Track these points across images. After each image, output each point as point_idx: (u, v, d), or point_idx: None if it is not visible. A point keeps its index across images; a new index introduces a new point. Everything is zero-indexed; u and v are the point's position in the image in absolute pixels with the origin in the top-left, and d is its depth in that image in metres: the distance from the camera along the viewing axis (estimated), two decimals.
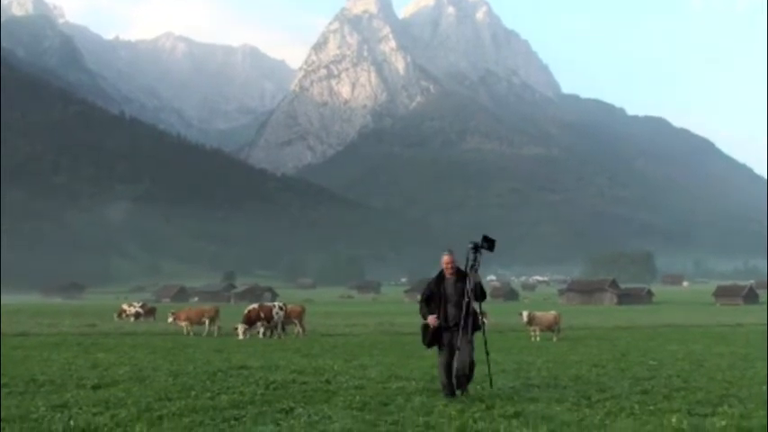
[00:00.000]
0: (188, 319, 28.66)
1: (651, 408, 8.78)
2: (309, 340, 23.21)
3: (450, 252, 10.30)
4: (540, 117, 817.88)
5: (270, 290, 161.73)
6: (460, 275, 10.00)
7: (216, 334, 27.11)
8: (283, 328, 25.11)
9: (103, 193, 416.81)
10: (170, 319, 29.90)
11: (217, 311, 29.26)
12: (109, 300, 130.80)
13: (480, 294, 9.98)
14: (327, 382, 11.06)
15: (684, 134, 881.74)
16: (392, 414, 8.13)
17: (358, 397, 9.31)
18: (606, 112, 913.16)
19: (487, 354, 10.42)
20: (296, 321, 26.04)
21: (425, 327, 9.96)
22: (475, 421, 7.68)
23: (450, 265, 10.13)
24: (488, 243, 10.01)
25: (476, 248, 9.94)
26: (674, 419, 7.88)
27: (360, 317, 49.27)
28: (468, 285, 9.81)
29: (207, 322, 28.08)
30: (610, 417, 8.11)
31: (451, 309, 9.87)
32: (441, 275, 10.18)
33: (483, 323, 10.20)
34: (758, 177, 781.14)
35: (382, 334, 28.17)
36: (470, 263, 9.90)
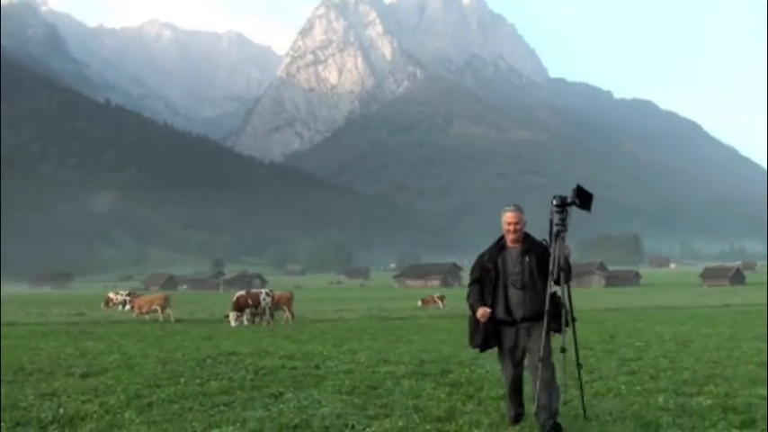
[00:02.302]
0: (139, 307, 29.33)
1: (638, 388, 8.89)
2: (298, 326, 23.24)
3: (517, 208, 6.89)
4: (526, 101, 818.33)
5: (259, 277, 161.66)
6: (530, 245, 6.75)
7: (172, 319, 28.26)
8: (272, 315, 25.13)
9: (90, 181, 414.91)
10: (127, 307, 30.46)
11: (166, 299, 30.11)
12: (97, 288, 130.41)
13: (567, 274, 6.62)
14: (316, 367, 11.09)
15: (672, 117, 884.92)
16: (381, 398, 8.17)
17: (347, 381, 9.34)
18: (593, 95, 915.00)
19: (579, 366, 7.07)
20: (284, 308, 26.06)
21: (473, 321, 6.79)
22: (464, 404, 7.74)
23: (514, 228, 6.75)
24: (582, 198, 6.60)
25: (562, 205, 6.59)
26: (660, 399, 7.98)
27: (349, 302, 49.38)
28: (552, 260, 6.54)
29: (159, 310, 28.87)
30: (597, 397, 8.22)
31: (515, 294, 6.67)
32: (499, 244, 6.86)
33: (572, 319, 6.74)
34: (744, 159, 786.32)
35: (371, 319, 28.24)
36: (555, 227, 6.59)
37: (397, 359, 11.98)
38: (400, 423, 6.78)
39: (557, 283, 6.58)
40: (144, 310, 29.01)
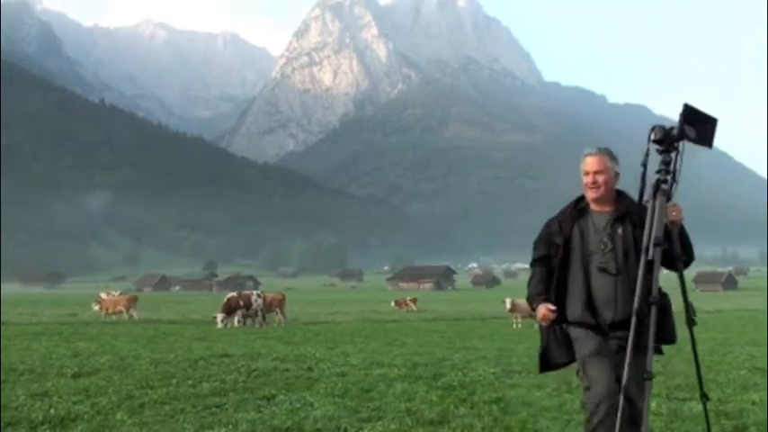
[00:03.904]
0: (105, 308, 30.02)
1: None
2: (291, 328, 23.24)
3: (602, 151, 4.80)
4: (521, 104, 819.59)
5: (252, 278, 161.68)
6: (625, 208, 4.64)
7: (136, 318, 29.27)
8: (263, 317, 25.12)
9: (83, 181, 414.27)
10: (95, 307, 31.04)
11: (130, 300, 31.22)
12: (89, 289, 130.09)
13: (685, 250, 4.56)
14: (309, 369, 11.07)
15: (665, 121, 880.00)
16: (374, 400, 8.15)
17: (340, 384, 9.32)
18: (587, 99, 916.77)
19: (704, 399, 5.26)
20: (276, 309, 26.07)
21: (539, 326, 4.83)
22: (456, 407, 7.72)
23: (594, 179, 4.69)
24: (698, 123, 4.40)
25: (665, 140, 4.41)
26: (653, 404, 7.97)
27: (342, 305, 49.41)
28: (648, 228, 4.37)
29: (124, 311, 29.67)
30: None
31: (602, 284, 4.56)
32: (578, 207, 4.79)
33: (690, 322, 4.52)
34: (737, 164, 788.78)
35: (364, 321, 28.28)
36: (655, 176, 4.44)
37: (390, 362, 11.97)
38: (393, 426, 6.75)
39: (674, 263, 4.43)
40: (109, 311, 29.63)
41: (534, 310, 4.69)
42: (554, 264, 4.64)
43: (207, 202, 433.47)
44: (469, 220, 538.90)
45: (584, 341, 4.52)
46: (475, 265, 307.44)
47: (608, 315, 4.48)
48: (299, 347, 15.16)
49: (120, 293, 45.82)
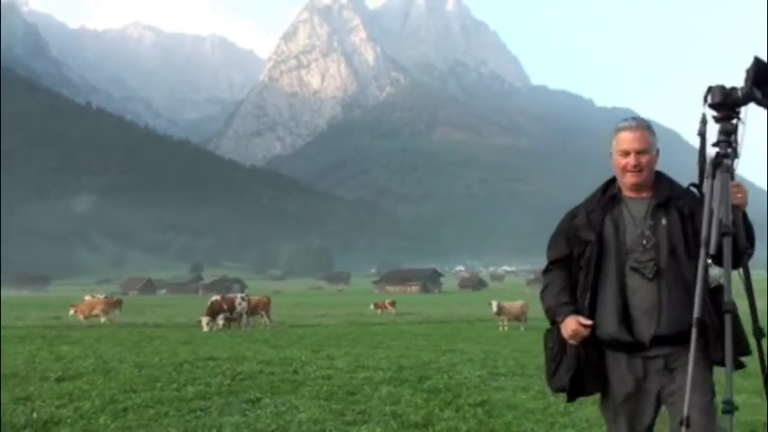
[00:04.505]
0: (81, 311, 29.87)
1: None
2: (277, 331, 23.20)
3: (643, 124, 3.77)
4: (509, 108, 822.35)
5: (238, 281, 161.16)
6: (668, 193, 3.67)
7: (109, 321, 29.23)
8: (248, 320, 25.07)
9: (70, 184, 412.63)
10: (71, 312, 30.96)
11: (107, 303, 31.46)
12: (75, 292, 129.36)
13: (750, 240, 3.53)
14: (295, 372, 11.05)
15: (653, 125, 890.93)
16: (359, 403, 8.14)
17: (325, 387, 9.30)
18: (575, 103, 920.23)
19: None
20: (262, 313, 26.01)
21: (556, 341, 3.68)
22: (441, 410, 7.72)
23: (636, 160, 3.64)
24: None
25: (724, 104, 3.40)
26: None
27: (328, 308, 49.33)
28: (707, 215, 3.38)
29: (100, 314, 29.53)
30: (574, 405, 8.17)
31: (640, 290, 3.55)
32: (608, 194, 3.78)
33: (758, 334, 3.40)
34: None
35: (351, 325, 28.23)
36: (722, 147, 3.47)
37: (376, 365, 11.97)
38: (378, 429, 6.75)
39: (717, 262, 3.38)
40: (85, 315, 29.42)
41: (557, 323, 3.63)
42: (582, 264, 3.64)
43: (194, 204, 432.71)
44: (457, 224, 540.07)
45: (618, 378, 3.53)
46: (462, 268, 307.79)
47: (648, 329, 3.46)
48: (284, 351, 15.12)
49: (105, 297, 45.65)
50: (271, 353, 14.52)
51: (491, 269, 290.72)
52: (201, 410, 7.81)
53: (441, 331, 23.54)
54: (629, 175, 3.63)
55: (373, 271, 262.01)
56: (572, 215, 3.82)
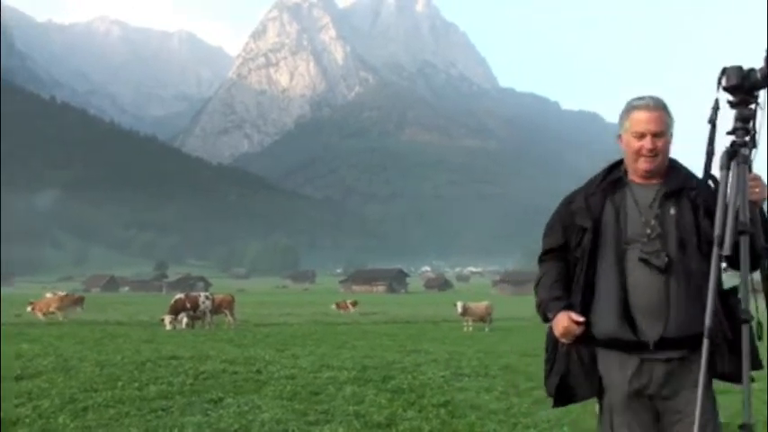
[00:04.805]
0: (39, 309, 29.76)
1: None
2: (242, 330, 23.07)
3: (660, 103, 3.23)
4: (477, 109, 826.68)
5: (203, 279, 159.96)
6: (680, 182, 3.20)
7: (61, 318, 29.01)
8: (211, 318, 24.91)
9: (32, 179, 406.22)
10: (29, 309, 30.73)
11: (62, 300, 31.23)
12: (36, 289, 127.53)
13: (765, 241, 3.04)
14: (258, 371, 10.97)
15: (616, 129, 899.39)
16: (322, 403, 8.12)
17: (288, 387, 9.25)
18: (542, 105, 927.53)
19: None
20: (226, 311, 25.86)
21: (550, 340, 3.32)
22: (405, 410, 7.73)
23: (653, 143, 3.16)
24: None
25: (740, 87, 2.97)
26: (596, 406, 8.06)
27: (293, 307, 49.22)
28: (720, 209, 2.95)
29: (57, 312, 29.39)
30: (536, 405, 8.25)
31: (646, 285, 3.10)
32: (611, 178, 3.33)
33: None
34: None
35: (315, 324, 28.19)
36: (738, 136, 3.02)
37: (340, 365, 11.94)
38: (341, 429, 6.74)
39: (731, 264, 2.99)
40: (43, 312, 29.22)
41: (548, 320, 3.25)
42: (578, 254, 3.23)
43: (159, 201, 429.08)
44: (424, 224, 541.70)
45: (616, 378, 3.15)
46: (428, 268, 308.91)
47: (654, 328, 3.04)
48: (248, 350, 15.03)
49: (66, 294, 45.13)
50: (234, 352, 14.42)
51: (457, 270, 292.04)
52: (163, 410, 7.73)
53: (406, 331, 23.58)
54: (642, 160, 3.17)
55: (339, 270, 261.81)
56: (569, 200, 3.38)
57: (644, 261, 3.07)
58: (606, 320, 3.11)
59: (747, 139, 2.95)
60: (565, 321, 3.12)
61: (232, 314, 26.07)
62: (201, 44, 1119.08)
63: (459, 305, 26.68)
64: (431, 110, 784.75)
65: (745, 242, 2.86)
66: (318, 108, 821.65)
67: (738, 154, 2.94)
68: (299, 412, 7.57)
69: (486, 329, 25.15)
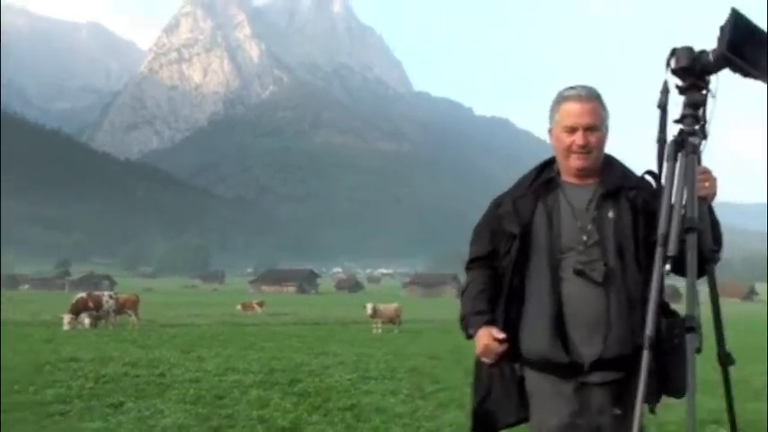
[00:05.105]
0: None
1: None
2: (147, 331, 22.57)
3: (593, 93, 2.82)
4: (392, 113, 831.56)
5: (108, 278, 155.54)
6: (617, 181, 2.82)
7: None
8: (115, 319, 24.32)
9: None
10: None
11: None
12: None
13: (716, 240, 2.71)
14: (162, 374, 10.78)
15: (526, 136, 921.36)
16: (226, 408, 8.04)
17: (192, 390, 9.12)
18: (455, 110, 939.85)
19: None
20: (130, 311, 25.25)
21: (476, 361, 2.92)
22: (310, 414, 7.72)
23: (589, 137, 2.78)
24: (747, 44, 2.49)
25: (690, 70, 2.56)
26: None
27: (201, 307, 48.43)
28: (664, 206, 2.56)
29: None
30: (441, 408, 8.38)
31: (580, 298, 2.73)
32: (543, 179, 2.94)
33: (724, 360, 2.77)
34: None
35: (223, 325, 27.80)
36: (687, 124, 2.63)
37: (246, 367, 11.84)
38: None
39: (675, 268, 2.61)
40: None
41: (470, 337, 2.87)
42: (504, 265, 2.86)
43: (64, 197, 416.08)
44: (336, 226, 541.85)
45: (548, 403, 2.73)
46: (339, 269, 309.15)
47: (591, 348, 2.68)
48: (152, 351, 14.74)
49: None
50: (138, 353, 14.13)
51: (368, 271, 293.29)
52: (60, 415, 7.52)
53: (315, 333, 23.53)
54: (574, 157, 2.80)
55: (250, 270, 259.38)
56: (497, 203, 3.03)
57: (579, 273, 2.70)
58: (537, 339, 2.74)
59: (697, 128, 2.62)
60: (485, 338, 2.77)
61: (136, 314, 25.48)
62: (112, 36, 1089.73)
63: (369, 307, 26.75)
64: (346, 111, 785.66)
65: (693, 240, 2.51)
66: (232, 106, 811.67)
67: (687, 144, 2.61)
68: (202, 417, 7.47)
69: (396, 331, 25.28)
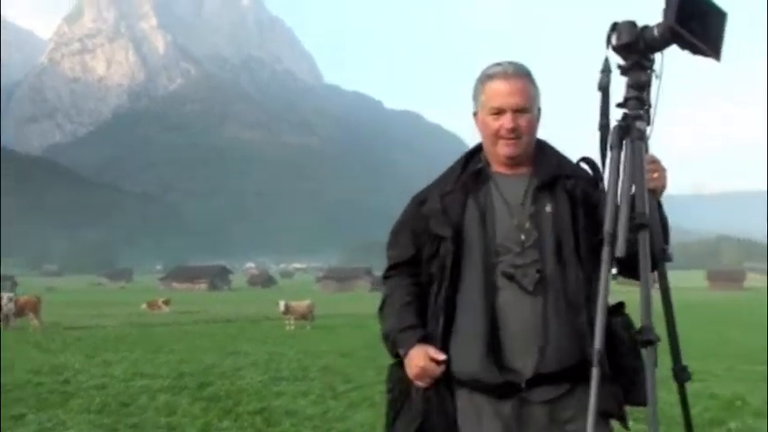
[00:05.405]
0: None
1: None
2: (50, 333, 21.83)
3: (521, 70, 2.41)
4: (301, 106, 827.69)
5: (10, 278, 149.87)
6: (554, 170, 2.42)
7: None
8: (15, 322, 23.42)
9: None
10: None
11: None
12: None
13: (659, 240, 2.25)
14: (66, 382, 10.43)
15: (437, 130, 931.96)
16: (133, 416, 7.84)
17: (98, 398, 8.85)
18: (366, 104, 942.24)
19: None
20: (31, 314, 24.36)
21: (395, 376, 2.47)
22: (220, 419, 7.62)
23: (518, 120, 2.36)
24: (696, 19, 2.10)
25: (637, 46, 2.17)
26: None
27: (109, 307, 47.19)
28: (607, 200, 2.19)
29: None
30: (352, 408, 8.39)
31: (516, 306, 2.33)
32: (471, 170, 2.47)
33: (679, 375, 2.38)
34: None
35: (131, 326, 27.13)
36: (631, 108, 2.24)
37: (155, 372, 11.59)
38: None
39: (623, 270, 2.27)
40: None
41: (399, 356, 2.44)
42: (433, 269, 2.44)
43: None
44: (247, 220, 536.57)
45: (485, 425, 2.36)
46: (251, 265, 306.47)
47: (527, 363, 2.32)
48: (56, 356, 14.27)
49: None
50: (40, 359, 13.66)
51: (281, 266, 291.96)
52: None
53: (226, 331, 23.28)
54: (502, 143, 2.40)
55: (159, 267, 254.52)
56: (420, 199, 2.56)
57: (509, 277, 2.33)
58: (468, 356, 2.35)
59: (642, 112, 2.26)
60: (421, 360, 2.34)
61: (38, 317, 24.58)
62: (10, 25, 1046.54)
63: (282, 304, 26.67)
64: (255, 105, 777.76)
65: (644, 239, 2.16)
66: (137, 99, 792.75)
67: (633, 129, 2.23)
68: (106, 427, 7.27)
69: (308, 328, 25.25)
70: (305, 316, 26.74)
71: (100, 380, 10.59)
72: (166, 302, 42.45)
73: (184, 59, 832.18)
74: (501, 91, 2.36)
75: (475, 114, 2.49)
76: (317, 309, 28.73)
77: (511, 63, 2.42)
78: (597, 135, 2.30)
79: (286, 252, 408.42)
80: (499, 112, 2.37)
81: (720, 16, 2.17)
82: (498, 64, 2.43)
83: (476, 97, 2.47)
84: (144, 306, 41.29)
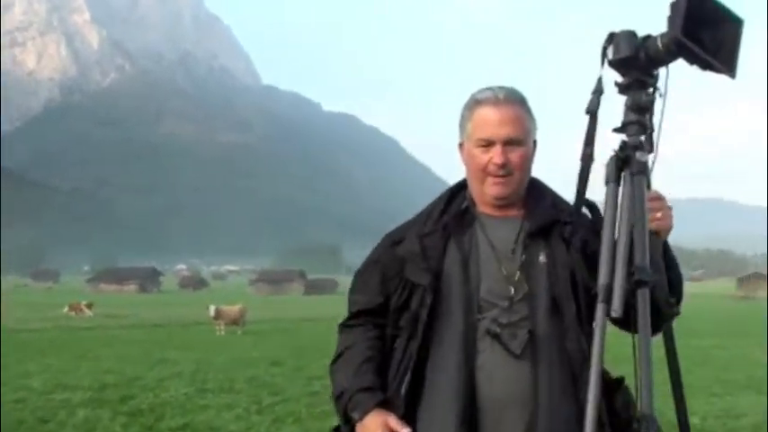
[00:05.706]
0: None
1: (318, 410, 8.89)
2: None
3: (514, 96, 2.00)
4: (238, 104, 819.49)
5: None
6: (550, 212, 2.01)
7: None
8: None
9: None
10: None
11: None
12: None
13: (673, 286, 1.84)
14: None
15: (374, 132, 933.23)
16: None
17: (15, 414, 8.59)
18: (303, 105, 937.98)
19: None
20: None
21: None
22: None
23: (510, 155, 1.96)
24: (707, 28, 1.66)
25: (637, 61, 1.73)
26: (336, 422, 8.27)
27: (32, 309, 45.89)
28: (625, 242, 1.72)
29: None
30: (277, 423, 8.34)
31: (501, 369, 1.89)
32: (455, 211, 2.06)
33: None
34: (437, 178, 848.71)
35: (56, 330, 26.49)
36: (631, 135, 1.78)
37: (77, 383, 11.33)
38: None
39: (620, 324, 1.70)
40: None
41: (352, 421, 2.00)
42: (403, 323, 2.03)
43: None
44: (180, 219, 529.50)
45: None
46: (183, 266, 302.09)
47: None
48: None
49: None
50: None
51: (213, 268, 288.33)
52: None
53: (154, 336, 22.93)
54: (490, 181, 2.02)
55: (86, 268, 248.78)
56: (394, 239, 2.15)
57: (495, 336, 1.93)
58: (438, 428, 1.94)
59: (643, 138, 1.81)
60: (378, 430, 1.91)
61: None
62: None
63: (212, 309, 26.37)
64: (191, 102, 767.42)
65: (644, 297, 1.68)
66: (69, 93, 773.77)
67: (632, 161, 1.79)
68: None
69: (239, 333, 25.04)
70: (236, 321, 26.50)
71: (19, 393, 10.26)
72: (89, 306, 41.07)
73: (119, 55, 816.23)
74: (490, 120, 2.00)
75: (460, 145, 2.12)
76: (249, 313, 28.52)
77: (502, 88, 2.04)
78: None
79: (220, 251, 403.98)
80: (488, 144, 2.00)
81: (735, 24, 1.75)
82: (489, 88, 2.05)
83: (462, 125, 2.09)
84: (66, 309, 40.02)
